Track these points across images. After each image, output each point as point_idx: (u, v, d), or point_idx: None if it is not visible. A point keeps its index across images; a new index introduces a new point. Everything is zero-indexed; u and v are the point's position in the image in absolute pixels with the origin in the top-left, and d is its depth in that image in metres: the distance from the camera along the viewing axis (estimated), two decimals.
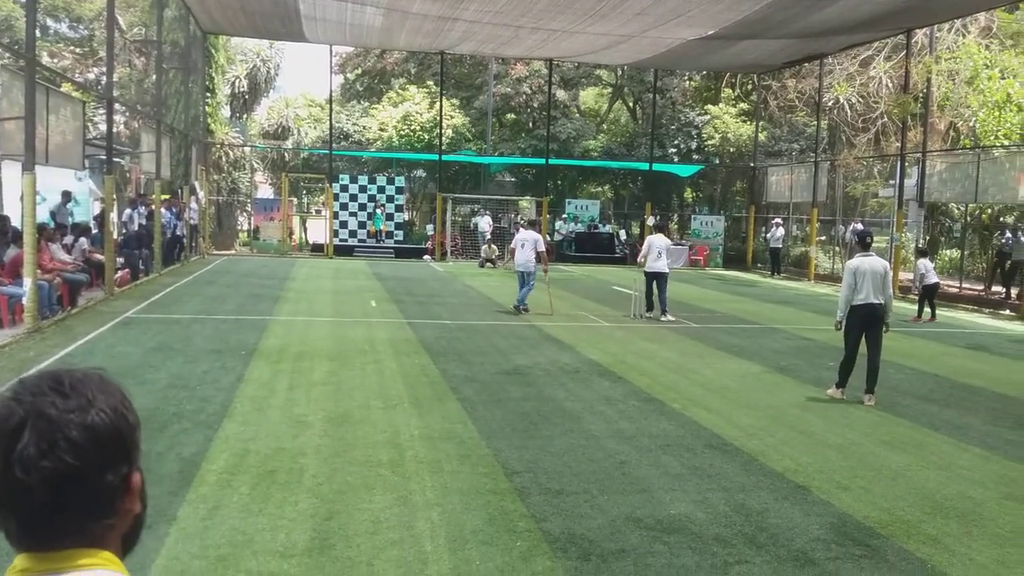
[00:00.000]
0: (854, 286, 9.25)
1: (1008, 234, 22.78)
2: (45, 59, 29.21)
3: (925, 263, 17.35)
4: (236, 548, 4.83)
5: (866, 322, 9.28)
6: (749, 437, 7.71)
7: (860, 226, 26.41)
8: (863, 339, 9.35)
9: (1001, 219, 24.46)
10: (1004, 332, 16.65)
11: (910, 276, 24.28)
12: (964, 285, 24.19)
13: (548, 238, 31.79)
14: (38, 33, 32.46)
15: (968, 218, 25.82)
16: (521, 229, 17.12)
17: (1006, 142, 22.63)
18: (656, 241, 15.82)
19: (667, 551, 5.04)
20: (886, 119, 28.16)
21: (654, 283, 15.73)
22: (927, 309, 17.45)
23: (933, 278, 17.27)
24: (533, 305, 15.90)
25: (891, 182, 27.44)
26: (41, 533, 1.16)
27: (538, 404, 8.60)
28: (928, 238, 26.23)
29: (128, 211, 20.83)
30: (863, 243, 9.63)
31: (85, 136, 18.24)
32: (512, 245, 17.61)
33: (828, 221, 30.82)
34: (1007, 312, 19.94)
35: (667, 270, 15.75)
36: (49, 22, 32.99)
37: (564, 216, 33.61)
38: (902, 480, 6.64)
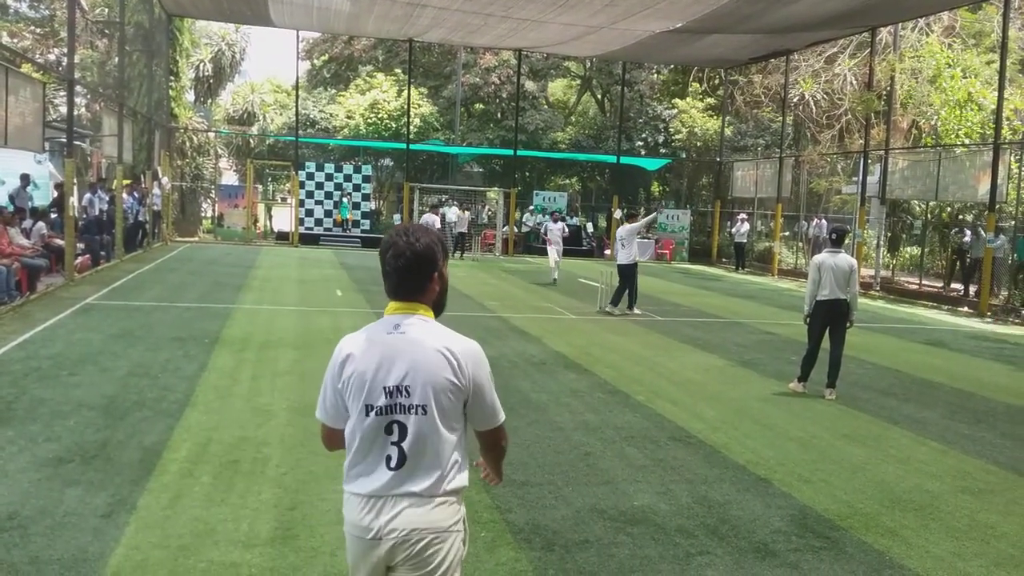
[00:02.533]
0: (818, 281, 9.35)
1: (967, 231, 23.15)
2: (4, 39, 28.60)
3: None
4: (198, 538, 4.78)
5: (829, 317, 9.38)
6: (712, 430, 7.78)
7: (824, 222, 26.72)
8: (826, 334, 9.47)
9: (960, 217, 24.86)
10: (962, 329, 16.95)
11: (871, 272, 24.65)
12: (924, 282, 24.59)
13: (516, 229, 31.84)
14: None
15: (929, 215, 26.22)
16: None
17: (967, 141, 23.01)
18: (619, 231, 15.86)
19: (630, 542, 5.07)
20: (850, 116, 28.48)
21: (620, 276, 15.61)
22: None
23: None
24: (500, 296, 15.89)
25: (854, 179, 27.77)
26: (398, 292, 2.72)
27: (504, 395, 8.53)
28: (890, 235, 26.61)
29: (88, 196, 20.47)
30: (830, 239, 9.70)
31: (45, 118, 17.89)
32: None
33: (792, 217, 31.14)
34: (965, 309, 20.30)
35: (625, 261, 15.42)
36: (9, 1, 32.28)
37: (532, 208, 33.61)
38: (861, 473, 6.73)
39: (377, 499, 2.61)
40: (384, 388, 2.60)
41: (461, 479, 2.69)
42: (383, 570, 2.65)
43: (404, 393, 2.60)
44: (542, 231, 18.26)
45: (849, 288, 9.30)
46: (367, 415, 2.61)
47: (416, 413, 2.60)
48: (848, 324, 9.46)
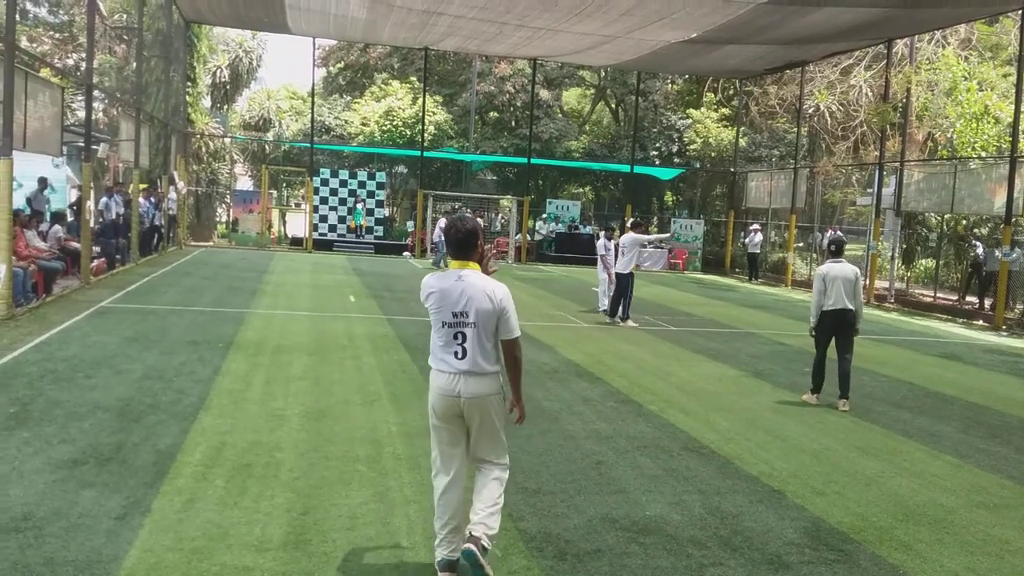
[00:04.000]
0: (824, 291, 9.35)
1: (978, 244, 23.01)
2: (24, 43, 28.84)
3: None
4: (211, 541, 4.80)
5: (836, 327, 9.38)
6: (725, 440, 7.76)
7: (840, 234, 26.60)
8: (833, 344, 9.45)
9: (975, 230, 24.72)
10: (977, 342, 16.85)
11: (885, 284, 24.54)
12: (939, 295, 24.47)
13: (528, 237, 31.87)
14: (17, 17, 32.09)
15: (944, 228, 26.09)
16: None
17: (983, 153, 22.90)
18: (622, 239, 15.75)
19: (643, 552, 5.06)
20: (865, 128, 28.41)
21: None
22: None
23: None
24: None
25: (869, 190, 27.66)
26: (457, 254, 4.59)
27: None
28: (904, 247, 26.50)
29: (104, 199, 20.59)
30: (830, 251, 9.73)
31: (63, 122, 18.02)
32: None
33: (806, 228, 31.04)
34: (980, 322, 20.17)
35: (621, 270, 15.31)
36: (29, 6, 32.55)
37: (545, 216, 33.63)
38: (875, 486, 6.70)
39: (453, 374, 4.48)
40: (452, 312, 4.48)
41: (498, 366, 4.56)
42: (461, 416, 4.50)
43: (464, 315, 4.47)
44: (599, 247, 17.15)
45: (854, 297, 9.29)
46: (443, 327, 4.50)
47: (471, 327, 4.47)
48: (854, 333, 9.46)
